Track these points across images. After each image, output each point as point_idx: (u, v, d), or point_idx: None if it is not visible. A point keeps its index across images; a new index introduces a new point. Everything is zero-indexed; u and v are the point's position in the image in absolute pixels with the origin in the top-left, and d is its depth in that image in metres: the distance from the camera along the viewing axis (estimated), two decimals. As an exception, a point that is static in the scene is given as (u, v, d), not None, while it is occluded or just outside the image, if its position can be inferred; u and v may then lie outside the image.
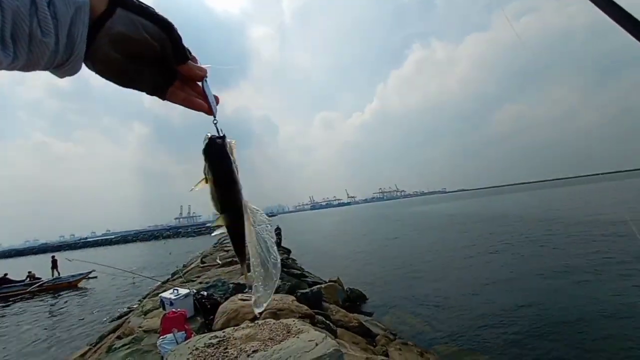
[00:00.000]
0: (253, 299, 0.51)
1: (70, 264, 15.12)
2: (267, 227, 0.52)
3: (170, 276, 11.75)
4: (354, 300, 8.30)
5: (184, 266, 13.78)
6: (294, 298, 4.80)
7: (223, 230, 0.51)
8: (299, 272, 10.24)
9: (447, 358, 5.25)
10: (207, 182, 0.48)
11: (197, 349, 2.68)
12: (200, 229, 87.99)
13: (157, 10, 0.40)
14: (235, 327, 3.20)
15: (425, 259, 13.77)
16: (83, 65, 0.38)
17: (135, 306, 9.53)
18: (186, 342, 3.02)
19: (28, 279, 18.08)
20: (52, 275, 19.05)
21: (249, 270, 0.53)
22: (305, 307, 4.16)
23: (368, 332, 5.31)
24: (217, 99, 0.48)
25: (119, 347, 3.28)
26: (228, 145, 0.48)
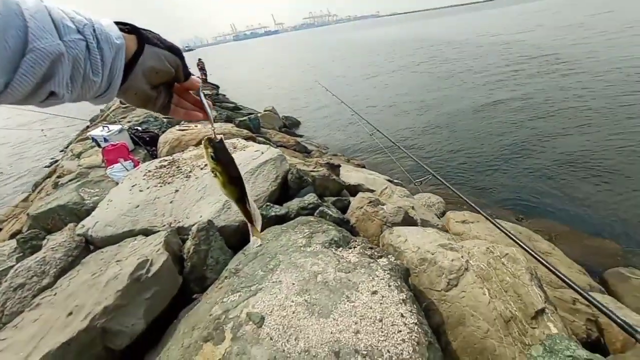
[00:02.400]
0: (257, 225, 0.62)
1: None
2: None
3: (88, 122, 10.76)
4: (289, 127, 8.97)
5: (101, 111, 12.42)
6: (234, 125, 5.01)
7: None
8: (232, 105, 10.14)
9: (370, 166, 6.59)
10: (220, 178, 0.55)
11: (149, 171, 2.91)
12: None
13: (164, 38, 0.45)
14: (182, 152, 3.42)
15: (351, 84, 14.45)
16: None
17: (60, 155, 9.10)
18: (136, 168, 3.21)
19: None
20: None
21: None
22: (247, 132, 4.45)
23: (304, 148, 6.12)
24: (211, 105, 0.55)
25: (66, 183, 3.35)
26: (225, 144, 0.55)
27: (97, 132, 3.93)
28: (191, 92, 0.53)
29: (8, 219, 4.98)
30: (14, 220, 4.34)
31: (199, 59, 19.90)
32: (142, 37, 0.42)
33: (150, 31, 0.45)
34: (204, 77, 20.18)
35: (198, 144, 3.86)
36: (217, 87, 18.55)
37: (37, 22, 0.31)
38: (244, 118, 5.55)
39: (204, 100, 0.53)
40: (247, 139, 4.25)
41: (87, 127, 9.50)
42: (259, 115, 7.62)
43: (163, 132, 4.65)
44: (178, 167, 2.91)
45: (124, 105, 8.21)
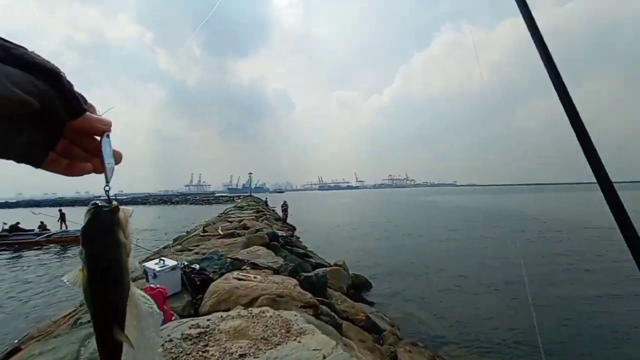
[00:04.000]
0: None
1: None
2: (153, 321, 0.40)
3: (171, 242, 11.59)
4: (358, 288, 7.79)
5: (187, 233, 13.58)
6: (297, 282, 4.24)
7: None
8: (302, 251, 9.76)
9: (459, 362, 4.72)
10: (82, 272, 0.36)
11: (171, 340, 2.13)
12: (209, 198, 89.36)
13: (30, 52, 0.30)
14: (224, 314, 2.64)
15: (433, 250, 13.20)
16: None
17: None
18: (164, 325, 2.49)
19: (38, 229, 18.41)
20: (60, 228, 19.36)
21: None
22: (309, 296, 3.59)
23: (375, 326, 4.77)
24: (119, 157, 0.38)
25: (85, 323, 2.78)
26: (120, 220, 0.38)
27: (152, 264, 3.60)
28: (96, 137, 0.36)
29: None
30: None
31: (284, 202, 22.04)
32: None
33: (10, 41, 0.29)
34: (285, 216, 21.76)
35: (249, 303, 3.09)
36: (294, 228, 19.37)
37: None
38: (310, 275, 4.81)
39: (107, 148, 0.35)
40: (308, 306, 3.34)
41: (167, 246, 9.94)
42: (327, 270, 6.85)
43: (221, 274, 4.13)
44: (206, 345, 2.07)
45: (202, 234, 8.60)
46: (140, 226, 25.56)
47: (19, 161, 0.32)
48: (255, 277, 3.68)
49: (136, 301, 0.40)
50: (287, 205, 21.30)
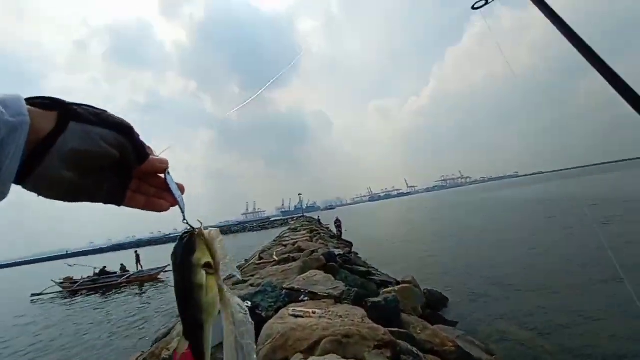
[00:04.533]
0: None
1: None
2: (248, 328, 0.46)
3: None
4: (434, 305, 6.76)
5: (246, 261, 13.65)
6: (364, 312, 3.57)
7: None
8: (364, 269, 8.97)
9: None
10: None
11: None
12: (264, 224, 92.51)
13: (111, 114, 0.37)
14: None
15: (505, 251, 11.43)
16: None
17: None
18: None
19: (120, 271, 20.31)
20: (137, 269, 21.09)
21: None
22: (382, 330, 2.90)
23: (468, 357, 3.84)
24: (182, 189, 0.44)
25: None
26: (194, 243, 0.42)
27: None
28: (159, 174, 0.43)
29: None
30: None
31: (337, 218, 21.43)
32: (66, 114, 0.33)
33: (88, 106, 0.36)
34: (339, 233, 21.11)
35: (310, 348, 2.52)
36: (351, 244, 18.58)
37: None
38: (379, 300, 4.09)
39: (172, 183, 0.42)
40: (383, 345, 2.65)
41: (228, 276, 10.00)
42: (396, 290, 6.02)
43: (277, 310, 3.64)
44: None
45: (258, 261, 8.37)
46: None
47: (105, 202, 0.39)
48: (314, 312, 3.12)
49: (233, 310, 0.46)
50: (340, 221, 20.63)
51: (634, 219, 12.65)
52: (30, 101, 0.32)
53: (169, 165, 0.42)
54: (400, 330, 3.55)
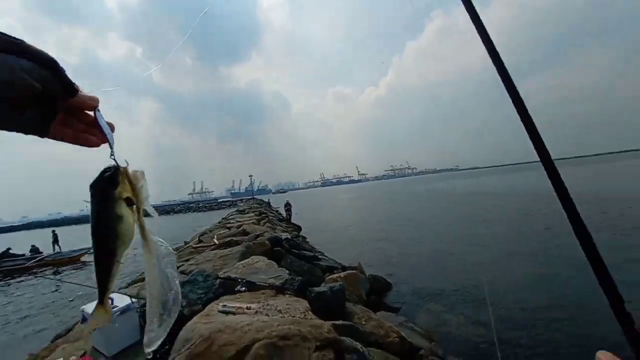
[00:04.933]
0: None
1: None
2: (170, 259, 0.48)
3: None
4: (378, 292, 6.75)
5: (185, 243, 12.53)
6: (307, 305, 3.21)
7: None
8: (310, 254, 8.71)
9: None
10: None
11: None
12: (212, 205, 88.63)
13: (30, 44, 0.36)
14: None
15: (445, 238, 12.16)
16: None
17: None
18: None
19: (30, 253, 17.50)
20: (53, 250, 18.46)
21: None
22: (326, 327, 2.55)
23: (410, 348, 3.74)
24: (112, 127, 0.44)
25: None
26: (116, 180, 0.42)
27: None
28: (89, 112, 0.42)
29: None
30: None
31: (287, 201, 21.01)
32: None
33: (11, 36, 0.35)
34: (289, 216, 20.76)
35: (240, 354, 2.06)
36: (300, 228, 18.36)
37: None
38: (324, 290, 3.77)
39: (101, 120, 0.42)
40: (327, 344, 2.31)
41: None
42: (341, 276, 5.82)
43: (205, 304, 3.10)
44: None
45: (195, 245, 7.59)
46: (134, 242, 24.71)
47: (26, 133, 0.39)
48: (249, 308, 2.65)
49: (154, 245, 0.47)
50: (290, 205, 20.25)
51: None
52: None
53: (99, 103, 0.42)
54: (345, 323, 3.27)
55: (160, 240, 0.48)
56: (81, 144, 0.43)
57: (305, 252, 8.89)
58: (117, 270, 0.44)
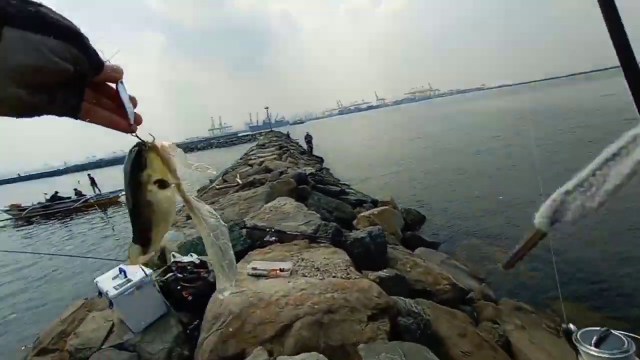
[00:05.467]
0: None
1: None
2: (222, 230, 0.49)
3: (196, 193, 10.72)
4: (413, 226, 6.41)
5: (210, 182, 12.52)
6: (346, 256, 2.81)
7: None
8: (337, 188, 8.34)
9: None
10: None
11: None
12: (232, 140, 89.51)
13: (51, 11, 0.31)
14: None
15: (473, 163, 11.37)
16: None
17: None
18: None
19: (75, 195, 18.71)
20: (94, 192, 19.60)
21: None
22: (375, 290, 2.14)
23: (461, 293, 3.42)
24: (134, 101, 0.40)
25: None
26: (144, 157, 0.40)
27: (107, 280, 2.19)
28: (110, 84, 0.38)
29: None
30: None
31: (307, 133, 20.21)
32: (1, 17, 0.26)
33: (29, 1, 0.29)
34: (310, 149, 20.24)
35: (277, 339, 1.70)
36: (322, 160, 17.96)
37: None
38: (363, 234, 3.34)
39: (124, 94, 0.38)
40: (379, 315, 1.91)
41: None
42: (375, 213, 5.42)
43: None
44: None
45: (219, 185, 7.33)
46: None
47: (59, 115, 0.35)
48: (282, 270, 2.25)
49: (204, 217, 0.47)
50: (311, 137, 19.52)
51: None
52: None
53: (123, 74, 0.40)
54: (390, 274, 2.89)
55: (210, 209, 0.48)
56: (116, 128, 0.39)
57: (331, 186, 8.52)
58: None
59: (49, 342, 2.38)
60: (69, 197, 18.63)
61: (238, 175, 8.15)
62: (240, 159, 17.65)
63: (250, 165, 10.75)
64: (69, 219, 15.76)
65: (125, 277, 2.08)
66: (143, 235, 0.41)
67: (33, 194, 19.01)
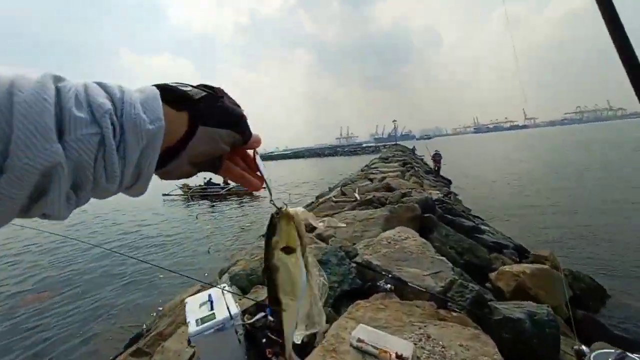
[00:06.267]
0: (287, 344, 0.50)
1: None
2: (324, 290, 0.53)
3: (314, 199, 11.09)
4: (585, 302, 4.49)
5: (330, 190, 12.72)
6: (495, 351, 1.89)
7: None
8: (470, 223, 6.85)
9: None
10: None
11: None
12: (356, 150, 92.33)
13: (229, 102, 0.38)
14: None
15: None
16: None
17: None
18: None
19: (223, 183, 22.71)
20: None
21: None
22: None
23: None
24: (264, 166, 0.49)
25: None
26: (283, 222, 0.44)
27: (193, 304, 1.95)
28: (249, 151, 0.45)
29: None
30: None
31: (436, 151, 18.29)
32: (195, 116, 0.34)
33: (212, 94, 0.36)
34: (437, 168, 18.29)
35: None
36: (449, 182, 15.96)
37: (26, 124, 0.21)
38: (520, 315, 2.26)
39: (259, 161, 0.44)
40: None
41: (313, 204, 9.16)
42: (526, 272, 3.97)
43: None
44: None
45: (336, 198, 7.12)
46: (296, 179, 28.36)
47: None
48: (398, 358, 1.58)
49: (314, 277, 0.51)
50: (440, 156, 17.65)
51: None
52: (162, 94, 0.31)
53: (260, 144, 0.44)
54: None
55: (320, 271, 0.52)
56: (249, 186, 0.44)
57: (463, 219, 7.09)
58: (288, 319, 0.46)
59: (145, 344, 2.49)
60: (219, 184, 22.68)
61: (357, 189, 7.79)
62: (361, 170, 17.48)
63: (371, 180, 10.29)
64: (218, 202, 19.23)
65: (212, 308, 1.86)
66: (272, 294, 0.45)
67: (196, 176, 24.54)
